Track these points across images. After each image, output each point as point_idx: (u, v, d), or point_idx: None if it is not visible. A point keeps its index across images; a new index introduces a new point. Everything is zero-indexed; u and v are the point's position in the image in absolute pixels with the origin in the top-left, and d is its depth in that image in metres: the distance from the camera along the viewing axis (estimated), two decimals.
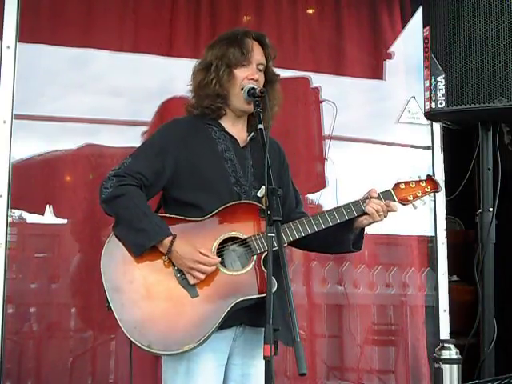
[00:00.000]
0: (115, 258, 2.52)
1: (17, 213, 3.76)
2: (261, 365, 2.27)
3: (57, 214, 3.87)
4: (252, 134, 2.72)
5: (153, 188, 2.62)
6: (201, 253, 2.46)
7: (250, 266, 2.52)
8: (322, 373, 4.24)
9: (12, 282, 3.57)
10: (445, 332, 4.09)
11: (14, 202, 3.57)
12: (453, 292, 4.19)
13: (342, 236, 2.67)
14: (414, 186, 2.69)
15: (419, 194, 2.68)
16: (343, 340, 4.31)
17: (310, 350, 4.11)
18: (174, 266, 2.51)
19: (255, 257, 2.52)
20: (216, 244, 2.53)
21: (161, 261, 2.51)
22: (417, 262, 4.45)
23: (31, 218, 3.86)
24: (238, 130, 2.74)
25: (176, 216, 2.58)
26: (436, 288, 4.20)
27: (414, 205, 2.69)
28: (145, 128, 3.93)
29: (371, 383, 4.31)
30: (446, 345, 3.52)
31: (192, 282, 2.48)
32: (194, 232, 2.54)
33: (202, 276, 2.47)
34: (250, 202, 2.59)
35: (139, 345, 2.42)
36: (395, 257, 4.48)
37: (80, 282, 3.73)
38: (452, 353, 3.49)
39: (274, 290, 2.38)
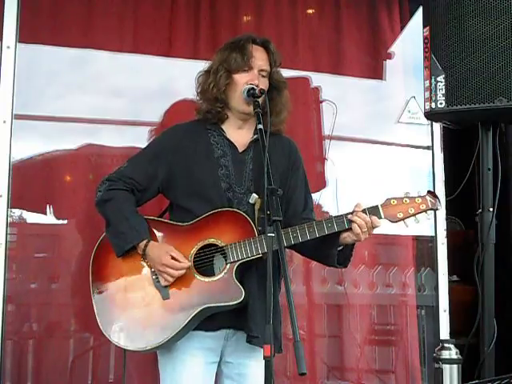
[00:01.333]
0: (103, 255, 2.67)
1: (17, 213, 3.76)
2: (257, 365, 2.29)
3: (57, 214, 3.87)
4: (255, 136, 2.72)
5: (147, 192, 2.72)
6: (172, 256, 2.54)
7: (222, 273, 2.56)
8: (322, 373, 4.24)
9: (12, 282, 3.57)
10: (445, 332, 4.08)
11: (14, 202, 3.57)
12: (453, 292, 4.19)
13: (326, 250, 2.63)
14: (407, 202, 2.55)
15: (411, 212, 2.54)
16: (343, 340, 4.30)
17: (310, 350, 4.11)
18: (151, 267, 2.61)
19: (228, 265, 2.56)
20: (194, 250, 2.59)
21: (140, 261, 2.63)
22: (417, 262, 4.45)
23: (31, 217, 3.86)
24: (240, 134, 2.75)
25: (162, 220, 2.72)
26: (436, 288, 4.20)
27: (405, 222, 2.55)
28: (146, 128, 3.93)
29: (371, 383, 4.31)
30: (446, 345, 3.52)
31: (163, 283, 2.57)
32: (175, 237, 2.63)
33: (170, 279, 2.55)
34: (235, 210, 2.61)
35: (110, 338, 2.57)
36: (395, 257, 4.47)
37: (80, 282, 3.72)
38: (452, 353, 3.49)
39: (240, 300, 2.49)
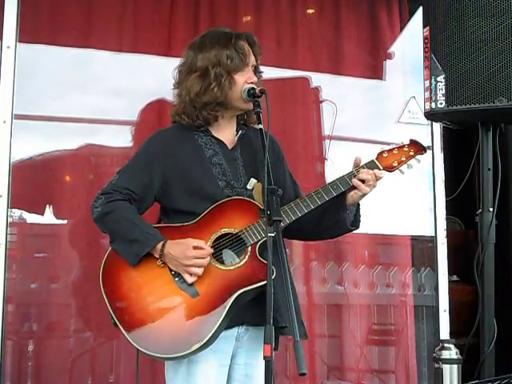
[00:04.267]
0: (114, 272, 2.56)
1: (17, 213, 3.76)
2: (263, 365, 2.27)
3: (57, 214, 3.87)
4: (240, 132, 2.72)
5: (143, 201, 2.65)
6: (194, 247, 2.48)
7: (246, 257, 2.53)
8: (322, 373, 4.24)
9: (12, 282, 3.57)
10: (445, 332, 4.09)
11: (14, 202, 3.56)
12: (453, 292, 4.19)
13: (337, 216, 2.63)
14: (397, 152, 2.66)
15: (404, 159, 2.65)
16: (343, 340, 4.31)
17: (310, 350, 4.11)
18: (171, 270, 2.52)
19: (250, 248, 2.53)
20: (209, 243, 2.54)
21: (157, 268, 2.53)
22: (417, 262, 4.46)
23: (31, 218, 3.87)
24: (226, 132, 2.72)
25: (168, 225, 2.64)
26: (436, 288, 4.20)
27: (400, 170, 2.66)
28: None
29: (371, 383, 4.31)
30: (446, 345, 3.52)
31: (190, 280, 2.49)
32: (187, 236, 2.55)
33: (200, 271, 2.48)
34: (235, 197, 2.59)
35: (149, 353, 2.45)
36: (395, 257, 4.48)
37: (80, 282, 3.73)
38: (452, 353, 3.49)
39: (274, 276, 2.37)
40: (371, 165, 2.63)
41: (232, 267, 2.52)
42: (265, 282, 2.40)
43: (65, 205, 3.85)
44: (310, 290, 4.21)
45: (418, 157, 2.68)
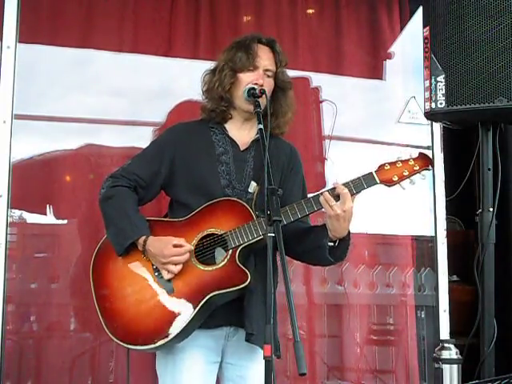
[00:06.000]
0: (103, 261, 2.66)
1: (17, 213, 3.76)
2: (258, 367, 2.28)
3: (57, 214, 3.87)
4: (256, 135, 2.72)
5: (150, 189, 2.72)
6: (173, 245, 2.53)
7: (225, 260, 2.56)
8: (322, 373, 4.24)
9: (12, 282, 3.57)
10: (445, 332, 4.08)
11: (14, 202, 3.56)
12: (453, 292, 4.18)
13: (318, 241, 2.59)
14: (400, 165, 2.56)
15: (406, 174, 2.55)
16: (343, 340, 4.31)
17: (310, 350, 4.11)
18: (153, 264, 2.60)
19: (230, 251, 2.56)
20: (194, 242, 2.59)
21: (142, 260, 2.61)
22: (417, 262, 4.45)
23: (31, 217, 3.87)
24: (242, 133, 2.76)
25: (159, 219, 2.72)
26: (436, 288, 4.19)
27: (401, 185, 2.56)
28: (146, 128, 3.94)
29: (371, 383, 4.31)
30: (446, 345, 3.53)
31: (167, 276, 2.55)
32: (173, 233, 2.61)
33: (175, 269, 2.53)
34: (230, 198, 2.63)
35: (120, 342, 2.53)
36: (395, 257, 4.48)
37: (80, 282, 3.72)
38: (452, 353, 3.49)
39: (247, 282, 2.48)
40: (368, 178, 2.57)
41: (210, 268, 2.56)
42: (238, 287, 2.48)
43: (65, 205, 3.85)
44: (309, 290, 4.21)
45: (423, 172, 2.57)
